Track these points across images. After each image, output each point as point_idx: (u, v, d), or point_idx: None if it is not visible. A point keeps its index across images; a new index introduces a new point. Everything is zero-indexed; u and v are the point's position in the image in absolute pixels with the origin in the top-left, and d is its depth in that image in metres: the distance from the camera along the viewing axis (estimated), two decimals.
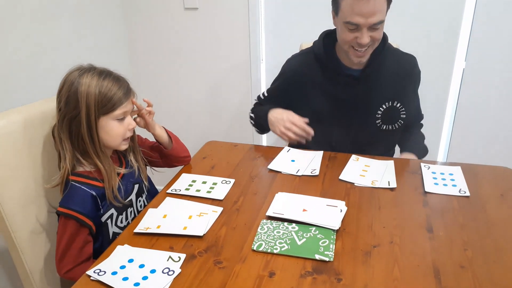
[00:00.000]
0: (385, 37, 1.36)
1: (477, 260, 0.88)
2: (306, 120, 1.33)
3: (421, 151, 1.44)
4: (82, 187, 1.04)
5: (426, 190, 1.14)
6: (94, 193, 1.05)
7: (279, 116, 1.36)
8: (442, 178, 1.19)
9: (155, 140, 1.28)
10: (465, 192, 1.12)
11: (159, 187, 1.25)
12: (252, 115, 1.53)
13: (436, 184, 1.17)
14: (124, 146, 1.12)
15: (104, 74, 1.05)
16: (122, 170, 1.14)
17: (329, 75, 1.39)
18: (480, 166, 1.27)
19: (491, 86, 1.90)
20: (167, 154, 1.26)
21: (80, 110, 1.01)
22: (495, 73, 1.87)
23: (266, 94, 1.54)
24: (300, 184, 1.20)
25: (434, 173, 1.23)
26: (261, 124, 1.48)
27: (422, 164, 1.28)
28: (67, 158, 1.05)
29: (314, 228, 0.98)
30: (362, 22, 1.20)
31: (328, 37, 1.40)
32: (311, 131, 1.31)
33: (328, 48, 1.38)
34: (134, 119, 1.17)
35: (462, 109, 1.97)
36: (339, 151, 1.38)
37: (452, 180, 1.19)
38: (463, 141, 2.04)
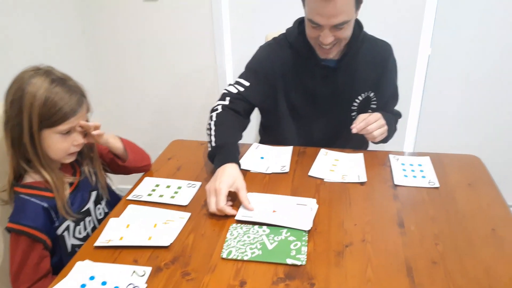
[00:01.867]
0: (360, 26, 1.31)
1: (448, 255, 0.87)
2: (229, 203, 1.04)
3: (389, 121, 1.32)
4: (32, 199, 0.97)
5: (396, 183, 1.13)
6: (46, 205, 0.97)
7: (222, 175, 1.05)
8: (412, 170, 1.19)
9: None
10: (434, 184, 1.12)
11: (123, 186, 1.17)
12: (213, 127, 1.23)
13: (405, 176, 1.16)
14: (68, 160, 1.04)
15: (57, 81, 0.96)
16: (72, 179, 1.06)
17: (305, 66, 1.31)
18: (448, 155, 1.27)
19: (457, 72, 1.91)
20: (123, 166, 1.18)
21: (23, 118, 0.93)
22: (461, 59, 1.88)
23: (238, 93, 1.32)
24: (270, 182, 1.17)
25: (403, 164, 1.22)
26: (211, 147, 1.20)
27: (391, 156, 1.27)
28: (10, 166, 0.97)
29: (285, 230, 0.95)
30: (323, 22, 1.14)
31: (302, 25, 1.29)
32: (232, 213, 1.01)
33: (303, 37, 1.29)
34: (85, 135, 1.06)
35: (429, 97, 1.99)
36: (320, 145, 1.35)
37: (421, 171, 1.18)
38: (431, 130, 2.06)
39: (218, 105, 1.31)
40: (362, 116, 1.26)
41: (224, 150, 1.15)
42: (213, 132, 1.22)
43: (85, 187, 1.10)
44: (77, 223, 1.05)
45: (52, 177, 0.99)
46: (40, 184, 0.99)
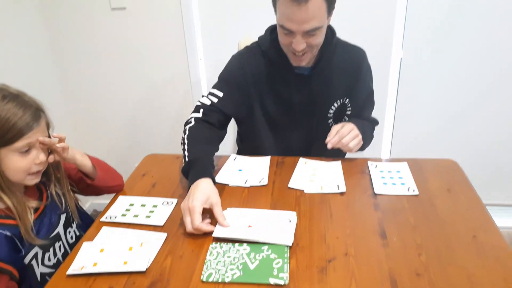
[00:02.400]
0: (333, 32, 1.29)
1: (432, 265, 0.86)
2: (207, 221, 1.00)
3: (363, 129, 1.30)
4: None
5: (376, 191, 1.12)
6: (9, 233, 0.91)
7: (196, 192, 1.01)
8: (390, 177, 1.18)
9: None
10: (414, 191, 1.11)
11: (99, 201, 1.12)
12: (186, 141, 1.21)
13: (385, 184, 1.15)
14: (31, 182, 0.97)
15: (10, 97, 0.90)
16: (36, 204, 1.00)
17: (278, 74, 1.29)
18: (425, 161, 1.27)
19: (430, 75, 1.93)
20: (92, 185, 1.12)
21: None
22: (433, 61, 1.90)
23: (212, 105, 1.29)
24: (249, 196, 1.14)
25: (382, 171, 1.21)
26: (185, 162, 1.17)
27: (369, 163, 1.26)
28: None
29: (266, 247, 0.92)
30: (294, 28, 1.12)
31: (274, 33, 1.27)
32: (210, 229, 0.97)
33: (276, 44, 1.26)
34: (50, 152, 1.00)
35: (403, 100, 2.00)
36: (299, 153, 1.33)
37: (400, 178, 1.18)
38: (406, 134, 2.08)
39: (192, 118, 1.28)
40: (334, 129, 1.24)
41: (197, 165, 1.11)
42: (186, 147, 1.19)
43: (53, 210, 1.04)
44: (45, 250, 0.99)
45: (13, 202, 0.92)
46: (1, 211, 0.93)
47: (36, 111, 0.93)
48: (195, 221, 0.95)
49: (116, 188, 1.18)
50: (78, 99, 2.16)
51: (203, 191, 1.01)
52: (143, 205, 1.10)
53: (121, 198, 1.15)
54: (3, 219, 0.92)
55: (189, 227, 0.96)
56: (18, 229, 0.93)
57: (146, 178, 1.26)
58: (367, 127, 1.37)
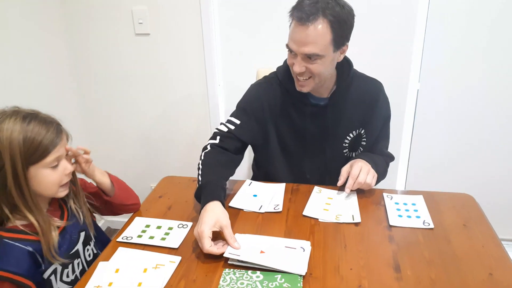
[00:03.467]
0: (350, 64, 1.32)
1: None
2: (221, 243, 1.02)
3: (375, 162, 1.31)
4: (16, 243, 0.93)
5: (391, 223, 1.12)
6: (31, 249, 0.94)
7: (205, 217, 1.03)
8: (406, 209, 1.18)
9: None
10: (429, 224, 1.11)
11: (113, 219, 1.14)
12: (201, 166, 1.23)
13: (400, 216, 1.15)
14: (63, 193, 1.02)
15: (29, 117, 0.94)
16: (62, 223, 1.03)
17: (295, 104, 1.32)
18: (441, 194, 1.26)
19: (446, 107, 1.94)
20: (109, 202, 1.15)
21: (4, 163, 0.90)
22: (449, 91, 1.91)
23: (229, 132, 1.31)
24: (263, 222, 1.15)
25: (397, 203, 1.21)
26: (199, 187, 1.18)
27: (385, 194, 1.26)
28: None
29: (279, 276, 0.92)
30: (294, 48, 1.16)
31: None
32: (221, 251, 0.99)
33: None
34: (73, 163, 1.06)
35: (419, 132, 2.00)
36: (313, 182, 1.34)
37: (415, 210, 1.17)
38: (421, 166, 2.07)
39: (208, 144, 1.31)
40: (345, 171, 1.25)
41: (207, 189, 1.13)
42: (200, 172, 1.22)
43: (73, 228, 1.06)
44: (65, 266, 1.01)
45: (39, 220, 0.95)
46: (24, 226, 0.95)
47: (57, 127, 0.98)
48: (204, 246, 0.97)
49: (132, 207, 1.21)
50: (98, 118, 2.22)
51: (211, 215, 1.03)
52: (158, 227, 1.12)
53: (137, 219, 1.17)
54: (27, 235, 0.95)
55: (204, 250, 0.98)
56: (40, 244, 0.95)
57: (162, 200, 1.28)
58: (379, 160, 1.36)
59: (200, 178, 1.20)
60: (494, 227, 1.10)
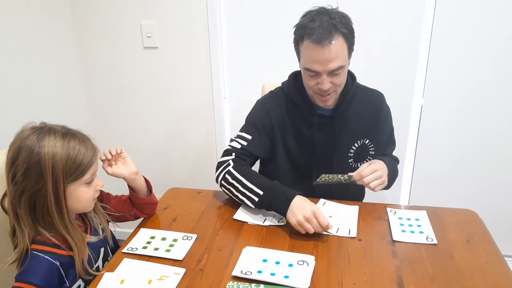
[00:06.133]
0: (353, 77, 1.37)
1: None
2: (327, 221, 1.13)
3: (391, 165, 1.39)
4: (46, 256, 0.93)
5: (394, 238, 1.12)
6: (58, 263, 0.94)
7: (302, 204, 1.15)
8: (409, 225, 1.18)
9: (121, 194, 1.21)
10: (432, 240, 1.11)
11: (119, 230, 1.17)
12: (242, 178, 1.25)
13: (403, 231, 1.15)
14: (91, 207, 1.05)
15: (68, 135, 0.94)
16: (92, 239, 1.05)
17: (302, 116, 1.36)
18: (444, 210, 1.27)
19: (450, 122, 1.95)
20: (142, 203, 1.20)
21: (45, 182, 0.90)
22: (453, 107, 1.92)
23: (242, 148, 1.34)
24: (268, 235, 1.16)
25: (400, 218, 1.22)
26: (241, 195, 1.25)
27: (388, 209, 1.27)
28: (25, 234, 0.92)
29: None
30: (320, 69, 1.19)
31: (297, 78, 1.37)
32: (330, 227, 1.14)
33: (298, 88, 1.35)
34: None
35: (422, 148, 2.01)
36: (318, 193, 1.36)
37: (419, 226, 1.18)
38: (425, 181, 2.07)
39: (226, 161, 1.32)
40: (364, 165, 1.31)
41: (278, 190, 1.20)
42: (248, 183, 1.24)
43: (94, 244, 1.06)
44: (87, 283, 1.01)
45: (74, 237, 0.96)
46: (52, 240, 0.95)
47: (92, 144, 1.00)
48: (325, 220, 1.10)
49: (154, 206, 1.26)
50: (105, 129, 2.25)
51: (307, 202, 1.15)
52: (163, 239, 1.13)
53: (142, 230, 1.18)
54: (55, 248, 0.95)
55: (316, 229, 1.11)
56: (66, 259, 0.95)
57: (168, 212, 1.29)
58: (395, 165, 1.43)
59: (253, 187, 1.22)
60: (498, 243, 1.11)
